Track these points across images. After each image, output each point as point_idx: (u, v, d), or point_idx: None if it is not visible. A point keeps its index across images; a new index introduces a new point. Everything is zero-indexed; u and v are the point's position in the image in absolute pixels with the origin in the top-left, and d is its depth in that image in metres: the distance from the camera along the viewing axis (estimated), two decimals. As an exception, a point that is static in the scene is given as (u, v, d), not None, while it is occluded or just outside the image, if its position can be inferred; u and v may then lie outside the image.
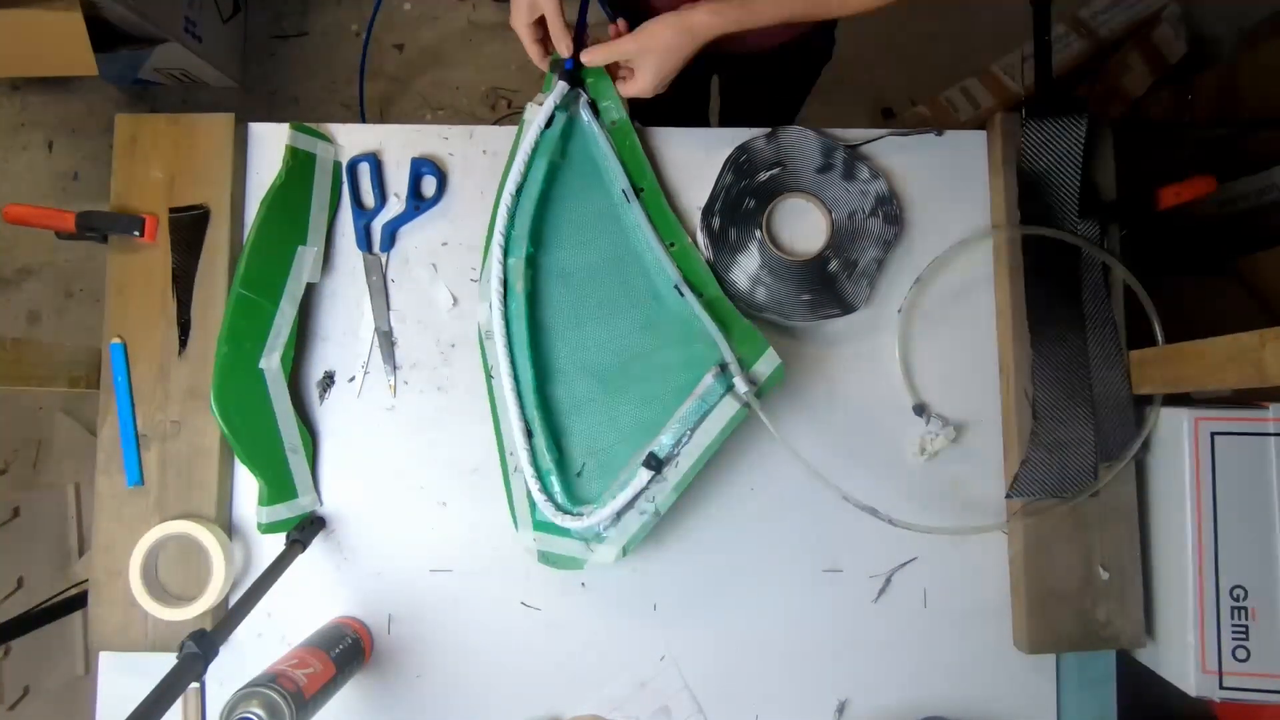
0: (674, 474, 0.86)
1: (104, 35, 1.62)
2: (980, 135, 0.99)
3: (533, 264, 0.92)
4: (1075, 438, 0.92)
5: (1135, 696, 0.95)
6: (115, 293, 0.92)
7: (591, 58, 0.90)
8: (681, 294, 0.90)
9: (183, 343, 0.91)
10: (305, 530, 0.89)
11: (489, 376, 0.91)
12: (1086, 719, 0.93)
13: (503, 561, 0.93)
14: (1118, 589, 0.91)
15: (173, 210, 0.92)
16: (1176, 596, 0.89)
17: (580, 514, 0.87)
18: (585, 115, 0.93)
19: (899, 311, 0.95)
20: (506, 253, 0.90)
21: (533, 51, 0.91)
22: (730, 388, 0.87)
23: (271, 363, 0.90)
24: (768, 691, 0.92)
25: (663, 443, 0.86)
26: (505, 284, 0.90)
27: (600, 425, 0.90)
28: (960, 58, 1.83)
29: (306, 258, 0.93)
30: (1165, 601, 0.91)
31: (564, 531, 0.88)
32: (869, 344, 0.96)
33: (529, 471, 0.87)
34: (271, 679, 0.74)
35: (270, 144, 0.96)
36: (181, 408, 0.90)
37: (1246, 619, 0.86)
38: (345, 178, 0.96)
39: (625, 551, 0.86)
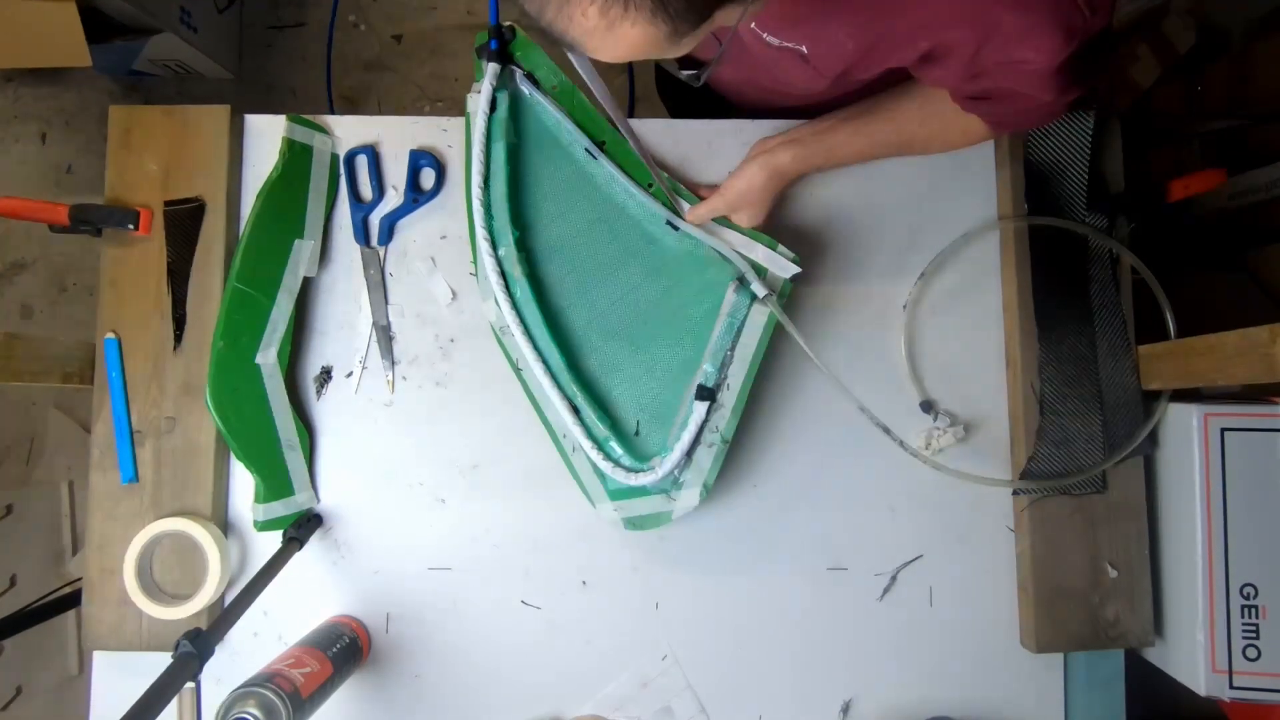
0: (729, 397, 0.86)
1: (98, 26, 1.61)
2: (987, 127, 0.98)
3: (523, 247, 0.90)
4: (1083, 433, 0.91)
5: (1144, 696, 0.94)
6: (109, 287, 0.91)
7: (695, 218, 0.90)
8: (675, 228, 0.90)
9: (178, 338, 0.90)
10: (302, 528, 0.88)
11: (517, 370, 0.89)
12: (1095, 719, 0.92)
13: (503, 559, 0.92)
14: (1126, 587, 0.90)
15: (168, 203, 0.91)
16: (1186, 595, 0.88)
17: (651, 468, 0.86)
18: (526, 89, 0.92)
19: (904, 306, 0.94)
20: (494, 245, 0.89)
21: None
22: (755, 296, 0.86)
23: (268, 358, 0.89)
24: (771, 691, 0.91)
25: (707, 371, 0.86)
26: (504, 276, 0.89)
27: (640, 379, 0.89)
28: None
29: (303, 251, 0.91)
30: (1174, 600, 0.90)
31: (641, 491, 0.87)
32: (874, 339, 0.95)
33: (587, 445, 0.86)
34: (268, 679, 0.73)
35: (267, 136, 0.94)
36: (176, 404, 0.89)
37: (1257, 617, 0.85)
38: (342, 170, 0.94)
39: (707, 489, 0.86)
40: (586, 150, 0.91)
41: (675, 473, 0.86)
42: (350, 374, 0.93)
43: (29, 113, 1.98)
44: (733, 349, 0.86)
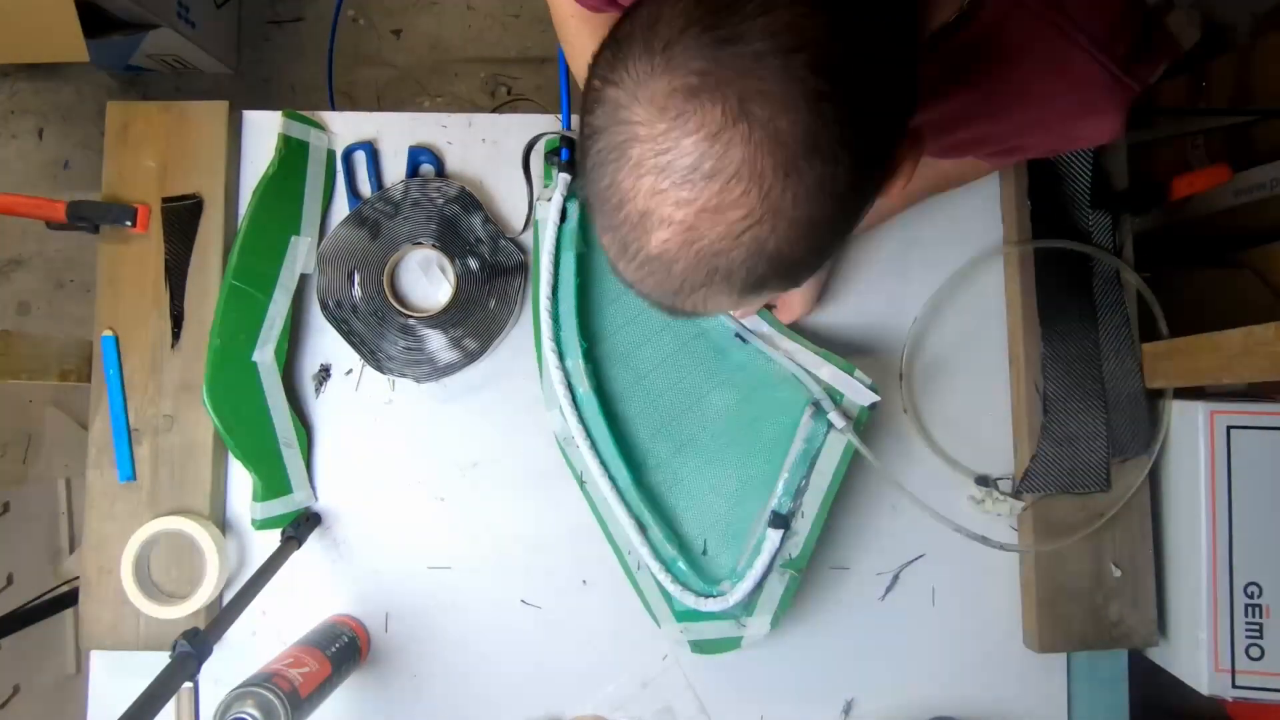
0: (803, 525, 0.84)
1: (95, 21, 1.59)
2: (990, 123, 0.97)
3: (590, 358, 0.89)
4: (1087, 431, 0.90)
5: (1147, 696, 0.94)
6: (107, 284, 0.90)
7: (790, 319, 0.90)
8: (745, 341, 0.88)
9: (175, 335, 0.89)
10: (300, 527, 0.87)
11: (581, 483, 0.88)
12: (1098, 719, 0.92)
13: (502, 558, 0.91)
14: (1130, 586, 0.90)
15: (165, 200, 0.90)
16: (1189, 594, 0.88)
17: (722, 593, 0.84)
18: None
19: (914, 320, 0.94)
20: (561, 357, 0.88)
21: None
22: (832, 425, 0.84)
23: (265, 355, 0.88)
24: (773, 691, 0.91)
25: (781, 498, 0.84)
26: (570, 387, 0.87)
27: (707, 496, 0.88)
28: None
29: (300, 248, 0.91)
30: (1178, 599, 0.90)
31: (709, 615, 0.84)
32: (878, 335, 0.94)
33: (655, 566, 0.84)
34: (266, 678, 0.73)
35: (265, 132, 0.93)
36: (174, 401, 0.89)
37: (1261, 617, 0.85)
38: (341, 166, 0.94)
39: (777, 620, 0.84)
40: None
41: (745, 599, 0.84)
42: (349, 371, 0.93)
43: (26, 108, 1.96)
44: (807, 476, 0.84)
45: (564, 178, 0.89)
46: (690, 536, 0.88)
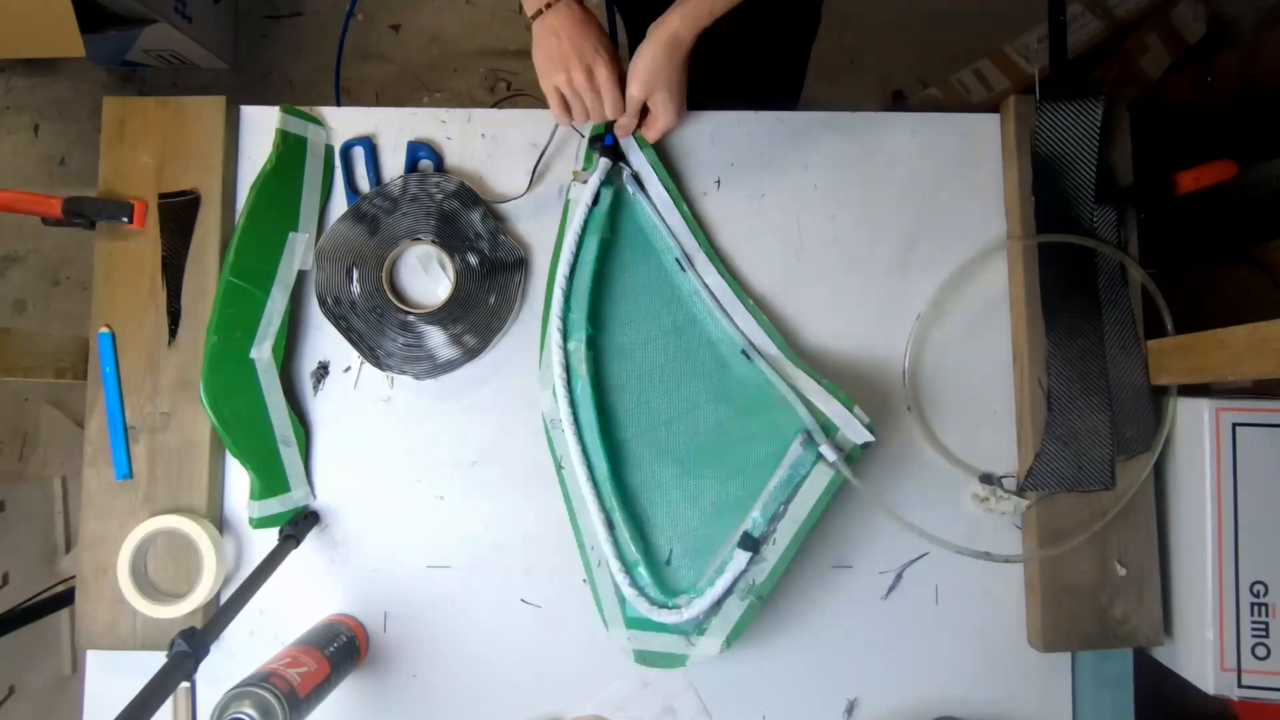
0: (773, 553, 0.83)
1: (91, 16, 1.59)
2: (993, 118, 0.97)
3: (593, 345, 0.89)
4: (1091, 429, 0.90)
5: (1153, 696, 0.93)
6: (103, 281, 0.89)
7: (622, 130, 0.90)
8: (749, 358, 0.88)
9: (173, 332, 0.89)
10: (298, 525, 0.87)
11: (559, 467, 0.87)
12: (1103, 719, 0.91)
13: (502, 557, 0.91)
14: (1135, 585, 0.89)
15: (162, 196, 0.90)
16: (1195, 593, 0.87)
17: (677, 606, 0.83)
18: (631, 189, 0.91)
19: (917, 318, 0.93)
20: (566, 337, 0.88)
21: (561, 112, 0.89)
22: (821, 456, 0.83)
23: (263, 352, 0.88)
24: (775, 691, 0.90)
25: (756, 520, 0.83)
26: (568, 369, 0.87)
27: (682, 507, 0.87)
28: (973, 38, 1.80)
29: (298, 244, 0.90)
30: (1183, 598, 0.89)
31: (660, 627, 0.83)
32: (881, 332, 0.94)
33: (615, 565, 0.84)
34: (264, 678, 0.72)
35: (263, 127, 0.93)
36: (171, 399, 0.88)
37: (1267, 616, 0.84)
38: (339, 162, 0.93)
39: (729, 643, 0.83)
40: (677, 260, 0.90)
41: (700, 617, 0.83)
42: (348, 369, 0.92)
43: (22, 104, 1.96)
44: (787, 504, 0.83)
45: (604, 162, 0.89)
46: (657, 543, 0.87)
